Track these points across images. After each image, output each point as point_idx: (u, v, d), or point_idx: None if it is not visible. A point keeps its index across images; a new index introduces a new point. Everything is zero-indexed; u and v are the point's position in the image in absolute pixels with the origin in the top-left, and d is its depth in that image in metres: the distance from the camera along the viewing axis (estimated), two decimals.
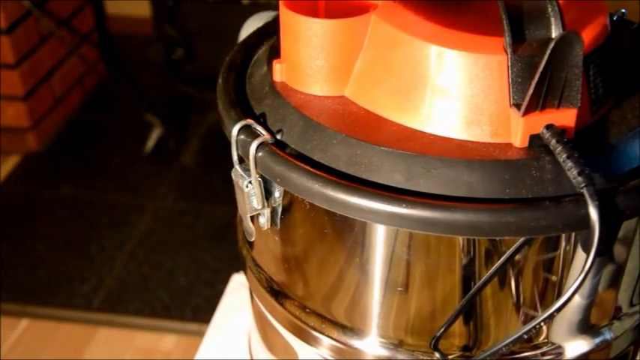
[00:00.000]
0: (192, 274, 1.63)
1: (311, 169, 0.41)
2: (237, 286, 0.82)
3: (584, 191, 0.36)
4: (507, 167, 0.39)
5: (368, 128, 0.42)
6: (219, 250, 1.68)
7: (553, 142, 0.38)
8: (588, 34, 0.41)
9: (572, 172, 0.37)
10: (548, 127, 0.39)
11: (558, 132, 0.38)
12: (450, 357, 0.46)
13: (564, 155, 0.37)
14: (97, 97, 2.23)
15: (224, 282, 0.83)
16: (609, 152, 0.41)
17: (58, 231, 1.74)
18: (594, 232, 0.36)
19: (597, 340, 0.47)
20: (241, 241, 0.57)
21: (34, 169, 1.95)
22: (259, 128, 0.43)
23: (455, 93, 0.41)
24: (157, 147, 1.99)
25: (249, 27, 0.57)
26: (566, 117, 0.39)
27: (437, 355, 0.45)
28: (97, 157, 1.99)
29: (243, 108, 0.46)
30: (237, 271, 0.82)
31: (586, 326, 0.47)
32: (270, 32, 0.54)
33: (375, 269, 0.45)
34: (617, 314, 0.48)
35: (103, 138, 2.07)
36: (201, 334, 0.77)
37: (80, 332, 1.50)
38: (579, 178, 0.36)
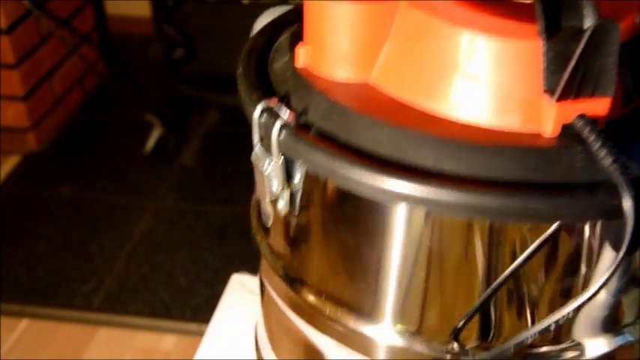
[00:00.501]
0: (192, 274, 1.63)
1: (336, 149, 0.40)
2: (237, 286, 0.82)
3: (619, 179, 0.36)
4: (538, 155, 0.39)
5: (394, 113, 0.42)
6: (219, 250, 1.68)
7: (586, 130, 0.38)
8: (621, 27, 0.41)
9: (605, 160, 0.37)
10: (581, 115, 0.38)
11: (591, 121, 0.38)
12: (468, 347, 0.46)
13: (598, 144, 0.37)
14: (97, 97, 2.23)
15: (224, 282, 0.83)
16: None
17: (58, 231, 1.74)
18: (628, 222, 0.35)
19: (620, 339, 0.47)
20: (255, 227, 0.56)
21: (34, 169, 1.95)
22: (283, 108, 0.43)
23: (485, 79, 0.40)
24: (157, 147, 1.99)
25: (263, 22, 0.56)
26: (599, 106, 0.39)
27: (455, 345, 0.45)
28: (97, 157, 1.99)
29: (265, 92, 0.46)
30: (237, 271, 0.82)
31: (609, 325, 0.46)
32: (287, 22, 0.54)
33: (396, 255, 0.44)
34: None
35: (103, 138, 2.07)
36: (201, 334, 0.77)
37: (80, 332, 1.50)
38: (613, 167, 0.36)
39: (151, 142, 1.99)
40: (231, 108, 2.01)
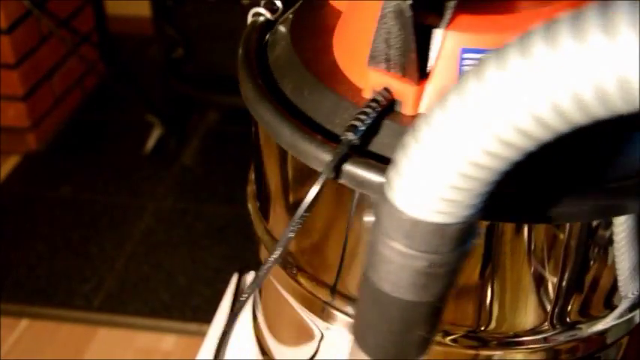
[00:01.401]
0: (192, 274, 1.63)
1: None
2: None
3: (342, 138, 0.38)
4: (350, 109, 0.41)
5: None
6: (219, 250, 1.68)
7: (372, 98, 0.40)
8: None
9: (348, 125, 0.39)
10: (385, 89, 0.40)
11: (385, 96, 0.40)
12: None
13: (361, 110, 0.39)
14: (97, 97, 2.23)
15: (224, 282, 0.83)
16: None
17: (58, 231, 1.74)
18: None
19: None
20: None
21: (34, 169, 1.95)
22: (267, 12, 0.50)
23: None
24: (156, 147, 1.99)
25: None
26: (405, 89, 0.40)
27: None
28: (97, 157, 1.99)
29: None
30: (237, 270, 0.82)
31: None
32: None
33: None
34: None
35: (103, 138, 2.08)
36: (201, 334, 0.77)
37: (80, 332, 1.50)
38: (344, 134, 0.38)
39: (150, 142, 1.99)
40: (231, 108, 2.01)
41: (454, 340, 0.46)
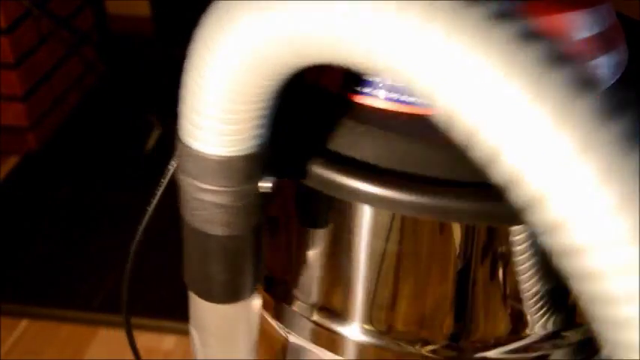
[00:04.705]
0: None
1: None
2: None
3: None
4: None
5: None
6: None
7: None
8: None
9: None
10: None
11: None
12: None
13: None
14: (97, 97, 2.23)
15: None
16: None
17: (58, 231, 1.74)
18: None
19: None
20: None
21: (34, 169, 1.95)
22: None
23: None
24: (156, 147, 1.99)
25: None
26: None
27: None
28: (97, 157, 1.99)
29: None
30: None
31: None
32: None
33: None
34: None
35: (103, 138, 2.07)
36: None
37: (80, 332, 1.50)
38: None
39: (151, 142, 1.99)
40: None
41: (433, 351, 0.45)
